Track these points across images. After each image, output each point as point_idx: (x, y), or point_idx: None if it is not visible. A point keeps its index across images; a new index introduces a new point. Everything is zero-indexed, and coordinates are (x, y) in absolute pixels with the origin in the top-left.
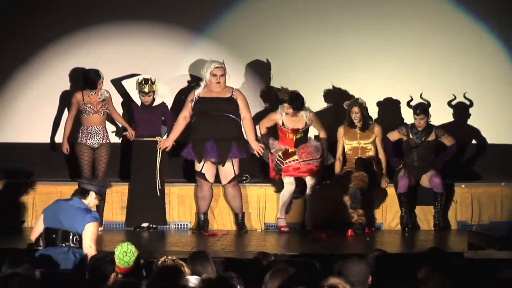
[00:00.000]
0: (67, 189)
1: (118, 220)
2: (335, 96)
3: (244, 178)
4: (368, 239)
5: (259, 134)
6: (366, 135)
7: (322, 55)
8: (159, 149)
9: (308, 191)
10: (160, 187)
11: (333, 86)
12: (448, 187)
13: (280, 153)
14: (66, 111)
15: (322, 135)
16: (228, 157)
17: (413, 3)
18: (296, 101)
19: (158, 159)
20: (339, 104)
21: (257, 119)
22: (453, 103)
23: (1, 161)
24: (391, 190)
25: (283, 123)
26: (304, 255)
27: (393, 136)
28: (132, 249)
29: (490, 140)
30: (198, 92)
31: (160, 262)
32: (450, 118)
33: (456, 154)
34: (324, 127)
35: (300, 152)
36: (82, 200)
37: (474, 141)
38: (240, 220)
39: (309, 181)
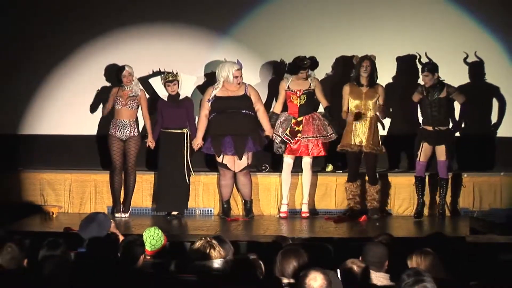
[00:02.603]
0: (101, 177)
1: (147, 206)
2: None
3: (263, 168)
4: (377, 224)
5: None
6: (371, 95)
7: (341, 55)
8: (195, 149)
9: (304, 171)
10: (191, 175)
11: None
12: (456, 176)
13: (287, 132)
14: (101, 105)
15: (325, 103)
16: (244, 151)
17: (414, 4)
18: (308, 59)
19: (187, 150)
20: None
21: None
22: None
23: (39, 151)
24: (398, 179)
25: (289, 87)
26: (318, 238)
27: (416, 97)
28: (159, 233)
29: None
30: (215, 92)
31: (194, 244)
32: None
33: (461, 146)
34: (326, 97)
35: (304, 129)
36: None
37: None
38: (248, 206)
39: (306, 159)
